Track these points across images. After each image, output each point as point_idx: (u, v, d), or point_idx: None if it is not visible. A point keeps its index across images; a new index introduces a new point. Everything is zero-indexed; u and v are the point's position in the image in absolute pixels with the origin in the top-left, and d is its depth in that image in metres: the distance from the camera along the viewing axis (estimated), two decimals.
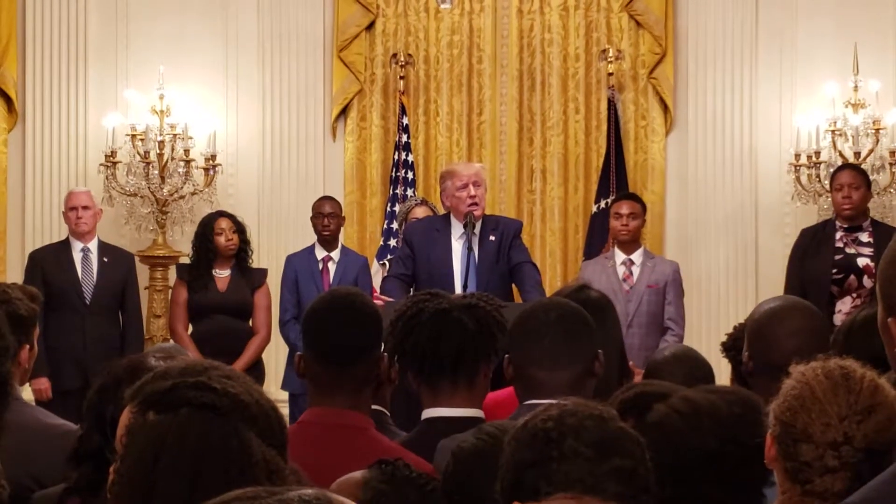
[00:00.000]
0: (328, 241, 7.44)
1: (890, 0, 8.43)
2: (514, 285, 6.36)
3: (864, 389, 2.11)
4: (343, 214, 7.66)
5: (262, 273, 7.37)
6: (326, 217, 7.42)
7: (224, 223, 7.25)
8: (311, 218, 7.51)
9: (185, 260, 7.84)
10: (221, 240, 7.20)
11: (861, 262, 6.68)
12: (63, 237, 7.56)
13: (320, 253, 7.44)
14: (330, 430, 2.81)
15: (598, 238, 8.16)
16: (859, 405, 2.08)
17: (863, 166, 7.97)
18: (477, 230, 6.25)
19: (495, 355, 3.08)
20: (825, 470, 2.03)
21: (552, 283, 8.29)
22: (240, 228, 7.30)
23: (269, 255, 8.05)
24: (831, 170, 7.97)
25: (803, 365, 2.19)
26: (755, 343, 3.14)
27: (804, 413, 2.08)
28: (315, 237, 7.49)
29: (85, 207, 7.36)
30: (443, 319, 3.00)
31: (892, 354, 1.73)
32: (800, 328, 3.10)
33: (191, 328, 7.30)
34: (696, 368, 3.64)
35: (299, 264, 7.39)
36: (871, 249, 6.74)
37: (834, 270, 6.69)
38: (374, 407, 3.06)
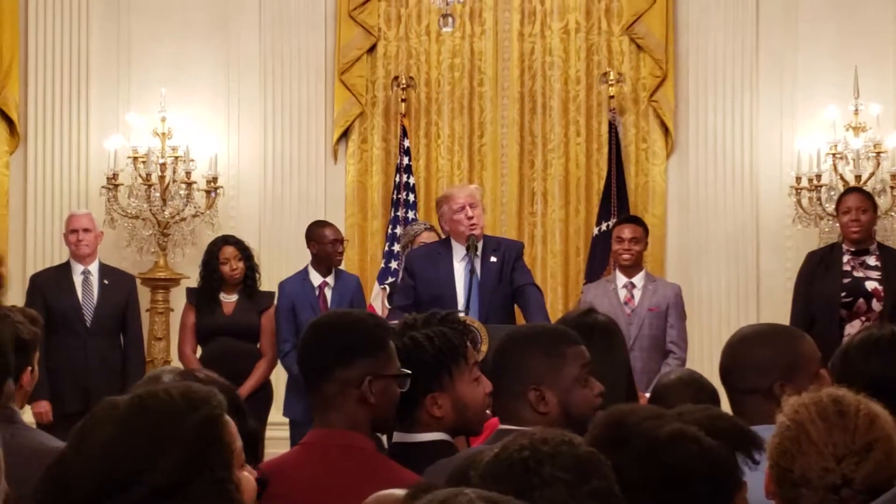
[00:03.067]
0: (328, 266, 7.32)
1: (890, 24, 8.45)
2: (516, 307, 6.35)
3: (859, 426, 2.09)
4: (346, 239, 7.63)
5: (270, 296, 7.34)
6: (339, 244, 7.31)
7: (229, 251, 7.21)
8: (316, 245, 7.28)
9: (187, 282, 7.84)
10: (226, 269, 7.19)
11: (869, 285, 6.69)
12: (64, 260, 7.55)
13: (316, 279, 7.29)
14: (328, 451, 2.80)
15: (599, 261, 8.16)
16: (856, 444, 2.07)
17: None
18: (479, 251, 6.24)
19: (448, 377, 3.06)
20: None
21: (554, 305, 8.28)
22: (246, 255, 7.26)
23: (271, 278, 8.03)
24: (832, 193, 7.99)
25: (794, 396, 2.18)
26: (730, 369, 3.14)
27: (801, 457, 2.07)
28: (307, 261, 7.36)
29: (86, 230, 7.35)
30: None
31: None
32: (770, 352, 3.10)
33: (199, 351, 7.29)
34: (702, 392, 3.64)
35: (294, 292, 7.24)
36: (879, 273, 6.75)
37: (843, 294, 6.70)
38: None
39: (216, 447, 1.81)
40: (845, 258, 6.81)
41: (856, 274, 6.76)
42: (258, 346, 7.25)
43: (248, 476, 1.97)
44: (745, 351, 3.10)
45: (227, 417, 1.88)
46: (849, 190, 7.36)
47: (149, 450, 1.76)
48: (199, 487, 1.73)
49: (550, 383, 2.91)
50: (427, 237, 7.09)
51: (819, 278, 6.80)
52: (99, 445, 1.78)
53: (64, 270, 7.36)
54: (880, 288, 6.67)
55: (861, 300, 6.65)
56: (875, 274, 6.72)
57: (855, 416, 2.11)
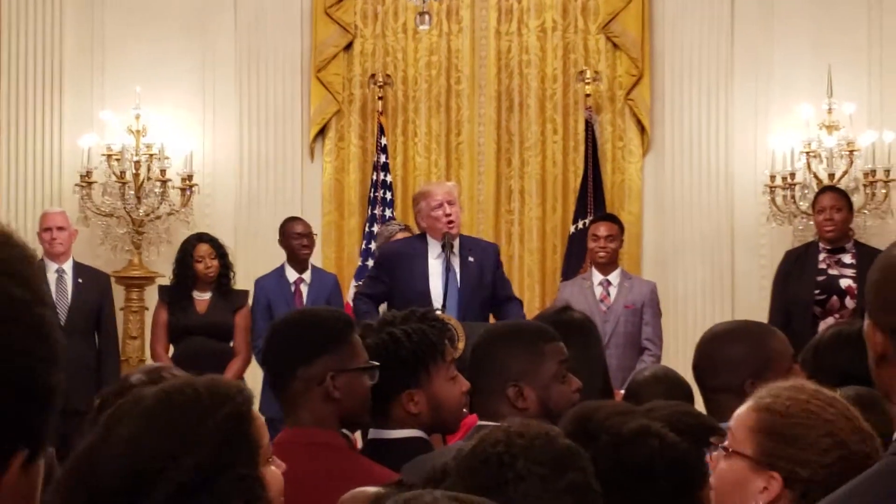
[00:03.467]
0: (300, 262, 7.40)
1: (863, 23, 8.50)
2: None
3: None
4: (314, 233, 7.64)
5: (244, 295, 7.34)
6: (305, 237, 7.41)
7: (203, 249, 7.20)
8: (284, 240, 7.44)
9: (162, 280, 7.80)
10: (201, 267, 7.17)
11: (844, 283, 6.72)
12: (38, 258, 7.49)
13: (291, 275, 7.37)
14: (299, 450, 2.80)
15: (575, 258, 8.17)
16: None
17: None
18: (455, 249, 6.24)
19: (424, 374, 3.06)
20: None
21: (530, 303, 8.29)
22: (220, 252, 7.25)
23: (247, 276, 8.00)
24: (806, 191, 8.03)
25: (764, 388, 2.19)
26: (702, 366, 3.17)
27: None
28: (283, 258, 7.44)
29: (59, 228, 7.32)
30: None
31: (870, 358, 1.75)
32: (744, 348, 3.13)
33: (171, 350, 7.26)
34: (675, 388, 3.67)
35: (270, 288, 7.33)
36: (854, 271, 6.78)
37: (816, 291, 6.73)
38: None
39: (242, 443, 1.79)
40: (821, 256, 6.84)
41: (831, 272, 6.79)
42: (231, 345, 7.23)
43: (274, 471, 1.96)
44: (716, 348, 3.13)
45: (256, 412, 1.87)
46: (824, 189, 7.40)
47: (173, 446, 1.74)
48: (225, 485, 1.71)
49: (529, 379, 2.92)
50: (402, 238, 7.09)
51: (795, 276, 6.84)
52: (124, 439, 1.76)
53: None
54: (854, 285, 6.70)
55: (835, 298, 6.68)
56: (850, 272, 6.75)
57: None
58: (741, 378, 2.99)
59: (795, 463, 2.02)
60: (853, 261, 6.81)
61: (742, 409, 2.12)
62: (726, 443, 2.10)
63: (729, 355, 3.10)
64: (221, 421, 1.77)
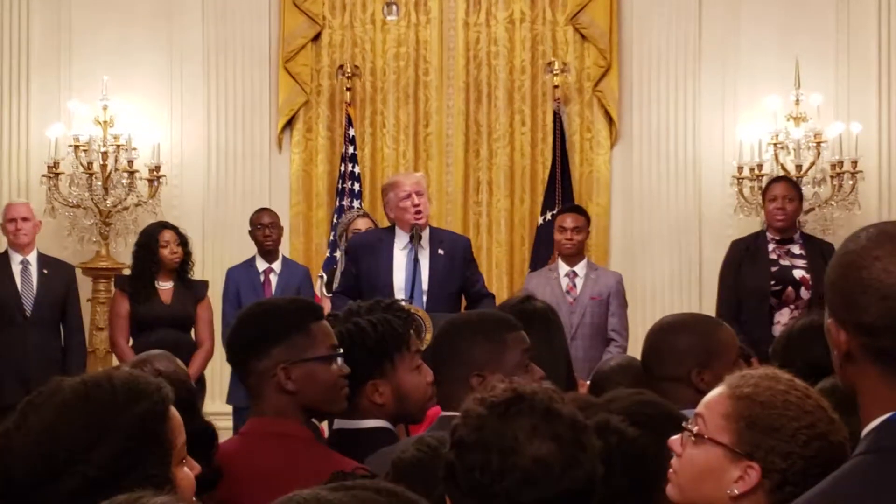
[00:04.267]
0: (269, 253, 7.43)
1: (831, 15, 8.55)
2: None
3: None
4: (281, 225, 7.64)
5: (204, 285, 7.31)
6: (267, 227, 7.42)
7: (168, 235, 7.16)
8: (251, 230, 7.51)
9: (129, 272, 7.75)
10: (166, 252, 7.10)
11: (797, 273, 6.75)
12: (2, 250, 7.46)
13: (261, 265, 7.44)
14: (262, 440, 2.79)
15: (543, 250, 8.19)
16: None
17: (804, 179, 8.08)
18: (424, 242, 6.22)
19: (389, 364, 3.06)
20: None
21: (499, 294, 8.28)
22: (183, 241, 7.22)
23: (214, 267, 7.99)
24: None
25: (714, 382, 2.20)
26: (649, 356, 3.21)
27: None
28: (255, 250, 7.47)
29: (24, 219, 7.27)
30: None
31: (834, 356, 1.75)
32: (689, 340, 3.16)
33: (131, 341, 7.20)
34: (640, 378, 3.67)
35: (240, 277, 7.38)
36: (805, 261, 6.81)
37: (772, 282, 6.75)
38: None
39: (154, 442, 1.79)
40: (770, 247, 6.86)
41: (783, 262, 6.82)
42: (192, 335, 7.20)
43: (187, 473, 1.94)
44: (663, 338, 3.16)
45: (173, 411, 1.85)
46: (776, 179, 7.41)
47: (84, 439, 1.74)
48: (133, 483, 1.67)
49: (493, 369, 2.92)
50: (362, 223, 7.10)
51: (747, 267, 6.84)
52: (37, 428, 1.76)
53: (2, 260, 7.27)
54: (808, 276, 6.73)
55: (790, 288, 6.71)
56: (801, 262, 6.78)
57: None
58: (686, 368, 3.03)
59: (775, 454, 2.01)
60: (802, 251, 6.83)
61: (714, 396, 2.10)
62: (696, 429, 2.09)
63: (675, 345, 3.14)
64: (134, 418, 1.76)
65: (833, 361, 1.76)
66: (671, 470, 2.11)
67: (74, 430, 1.75)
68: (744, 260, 6.87)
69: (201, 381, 7.16)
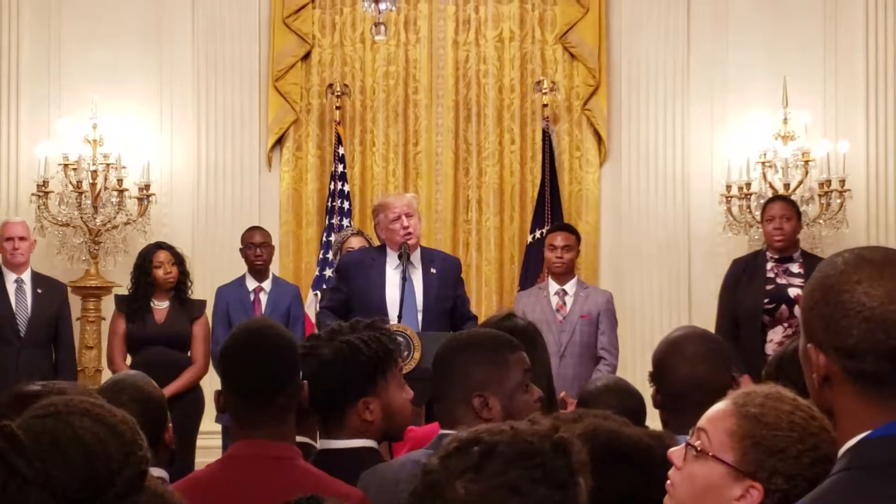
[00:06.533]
0: (259, 272, 7.42)
1: (819, 35, 8.60)
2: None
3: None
4: (273, 244, 7.63)
5: (201, 304, 7.31)
6: (258, 247, 7.41)
7: (162, 256, 7.18)
8: (241, 249, 7.49)
9: (119, 290, 7.75)
10: (160, 273, 7.14)
11: (792, 292, 6.76)
12: None
13: (251, 284, 7.42)
14: (258, 462, 2.79)
15: (533, 268, 8.20)
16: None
17: (792, 198, 8.10)
18: (415, 261, 6.23)
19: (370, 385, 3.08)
20: None
21: (488, 312, 8.29)
22: (178, 260, 7.23)
23: (204, 286, 7.97)
24: (762, 201, 8.09)
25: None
26: (658, 375, 3.21)
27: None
28: (245, 268, 7.46)
29: (21, 238, 7.28)
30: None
31: (810, 380, 1.76)
32: (694, 354, 3.17)
33: (129, 359, 7.21)
34: (628, 399, 3.68)
35: (230, 296, 7.37)
36: (802, 280, 6.81)
37: (765, 300, 6.76)
38: (300, 439, 3.03)
39: None
40: (769, 265, 6.88)
41: (779, 281, 6.83)
42: (189, 354, 7.20)
43: None
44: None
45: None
46: (773, 198, 7.44)
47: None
48: None
49: (494, 389, 2.91)
50: (356, 242, 7.12)
51: (744, 285, 6.86)
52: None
53: None
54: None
55: (784, 307, 6.72)
56: (798, 281, 6.79)
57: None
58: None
59: (779, 475, 2.01)
60: (801, 270, 6.85)
61: (718, 412, 2.08)
62: (699, 444, 2.09)
63: (675, 362, 3.16)
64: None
65: (808, 385, 1.77)
66: (669, 483, 2.11)
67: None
68: (742, 278, 6.89)
69: (198, 395, 7.12)
